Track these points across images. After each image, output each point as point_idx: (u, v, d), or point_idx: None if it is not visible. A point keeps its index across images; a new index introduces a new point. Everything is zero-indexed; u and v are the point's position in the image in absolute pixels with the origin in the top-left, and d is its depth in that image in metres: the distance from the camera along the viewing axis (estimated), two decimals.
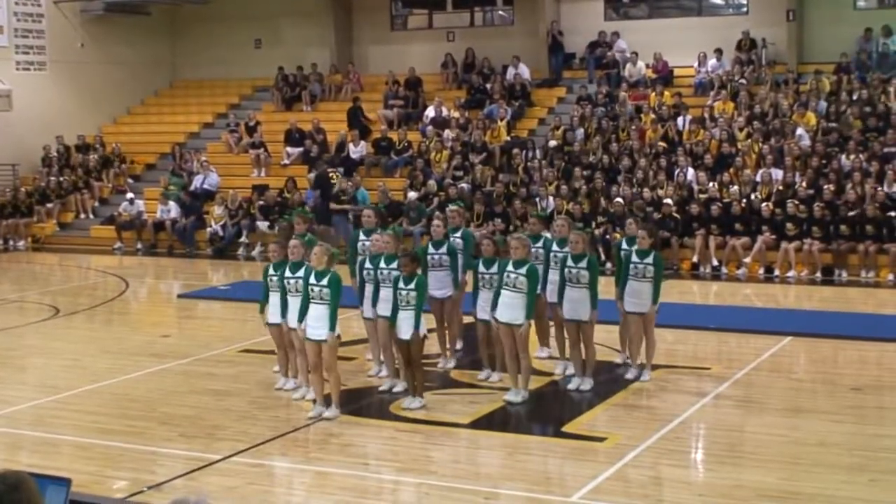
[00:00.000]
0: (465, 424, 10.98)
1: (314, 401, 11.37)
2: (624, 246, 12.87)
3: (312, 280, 10.99)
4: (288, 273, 11.50)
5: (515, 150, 25.14)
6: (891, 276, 19.78)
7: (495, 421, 11.24)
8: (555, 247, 12.57)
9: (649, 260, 12.31)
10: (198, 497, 3.87)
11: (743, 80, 25.93)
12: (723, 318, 16.53)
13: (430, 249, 12.94)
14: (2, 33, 28.71)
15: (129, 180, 28.96)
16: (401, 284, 11.30)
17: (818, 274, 20.35)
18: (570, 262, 11.89)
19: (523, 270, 11.38)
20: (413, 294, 11.26)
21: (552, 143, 25.08)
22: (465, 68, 29.41)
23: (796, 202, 20.96)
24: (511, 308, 11.41)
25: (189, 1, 31.48)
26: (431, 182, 24.30)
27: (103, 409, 11.70)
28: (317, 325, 11.00)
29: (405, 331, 11.30)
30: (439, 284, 12.84)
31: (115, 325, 17.65)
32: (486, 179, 24.39)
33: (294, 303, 11.40)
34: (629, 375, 12.58)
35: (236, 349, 14.33)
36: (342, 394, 11.43)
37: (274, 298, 11.95)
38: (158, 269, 24.31)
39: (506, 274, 11.44)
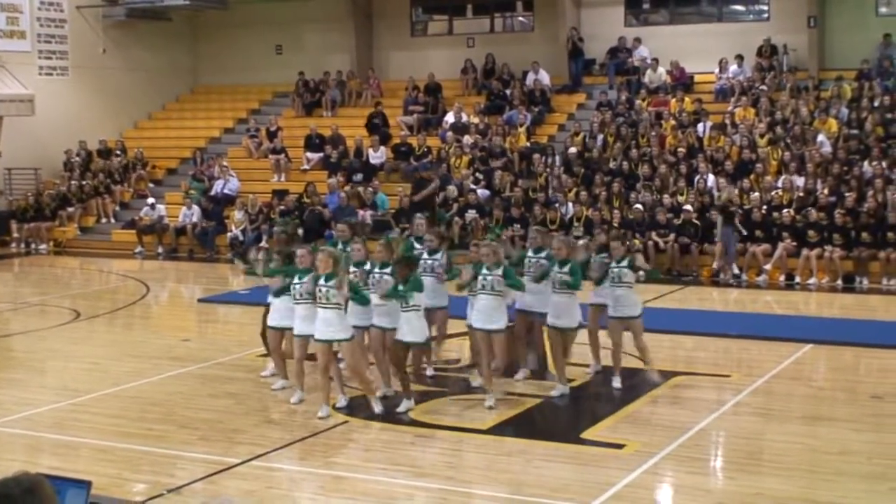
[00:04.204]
0: (483, 430, 10.97)
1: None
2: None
3: (321, 282, 11.04)
4: (296, 280, 11.55)
5: (535, 156, 25.13)
6: None
7: (514, 427, 11.22)
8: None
9: (625, 264, 12.40)
10: (220, 501, 3.90)
11: (764, 87, 25.84)
12: (743, 326, 16.48)
13: (426, 256, 12.72)
14: (25, 39, 28.85)
15: (151, 185, 29.13)
16: (400, 288, 11.30)
17: (839, 281, 20.27)
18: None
19: (499, 272, 11.54)
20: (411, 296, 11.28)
21: (572, 149, 25.04)
22: (485, 74, 29.43)
23: (817, 209, 20.88)
24: (489, 311, 11.53)
25: (210, 7, 31.59)
26: (451, 187, 24.29)
27: (123, 413, 11.74)
28: (327, 328, 11.09)
29: (405, 332, 11.35)
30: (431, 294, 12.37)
31: (136, 329, 17.71)
32: (505, 185, 24.38)
33: (300, 309, 11.51)
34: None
35: (256, 353, 14.35)
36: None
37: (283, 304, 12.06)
38: (179, 273, 24.40)
39: (481, 277, 11.57)
